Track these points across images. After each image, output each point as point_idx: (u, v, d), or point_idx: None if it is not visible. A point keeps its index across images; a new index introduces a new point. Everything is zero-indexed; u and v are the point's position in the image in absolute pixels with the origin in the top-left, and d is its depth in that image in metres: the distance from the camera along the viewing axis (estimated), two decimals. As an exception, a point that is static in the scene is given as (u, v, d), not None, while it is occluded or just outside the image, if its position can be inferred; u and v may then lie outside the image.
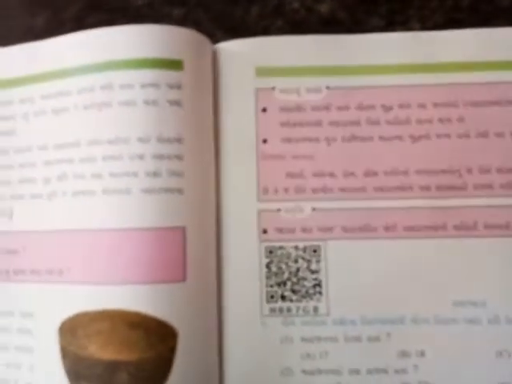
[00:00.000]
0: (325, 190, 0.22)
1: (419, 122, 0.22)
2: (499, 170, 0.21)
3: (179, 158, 0.20)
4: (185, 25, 0.22)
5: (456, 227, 0.21)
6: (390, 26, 0.24)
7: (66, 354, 0.20)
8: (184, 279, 0.20)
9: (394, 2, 0.24)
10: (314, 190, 0.22)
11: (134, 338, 0.19)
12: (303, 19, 0.24)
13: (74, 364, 0.19)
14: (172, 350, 0.19)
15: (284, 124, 0.22)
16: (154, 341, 0.19)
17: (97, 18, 0.25)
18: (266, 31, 0.24)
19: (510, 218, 0.21)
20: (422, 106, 0.22)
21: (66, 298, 0.20)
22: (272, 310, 0.21)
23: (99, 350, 0.19)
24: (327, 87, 0.22)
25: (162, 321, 0.19)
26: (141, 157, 0.20)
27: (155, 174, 0.20)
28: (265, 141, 0.22)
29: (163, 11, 0.25)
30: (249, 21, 0.24)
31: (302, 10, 0.24)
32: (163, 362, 0.19)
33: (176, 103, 0.20)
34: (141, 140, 0.20)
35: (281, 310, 0.21)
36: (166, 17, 0.24)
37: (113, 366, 0.19)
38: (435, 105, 0.22)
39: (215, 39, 0.23)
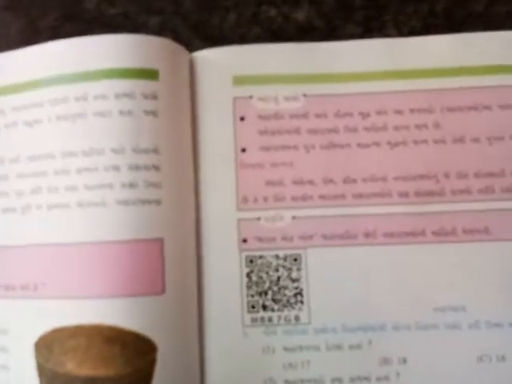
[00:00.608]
0: (304, 197, 0.21)
1: (396, 128, 0.22)
2: (476, 175, 0.21)
3: (156, 168, 0.20)
4: (162, 34, 0.22)
5: (435, 233, 0.21)
6: (366, 32, 0.23)
7: (42, 371, 0.19)
8: (162, 292, 0.19)
9: (370, 9, 0.24)
10: (294, 198, 0.21)
11: (110, 354, 0.18)
12: (280, 27, 0.24)
13: (51, 381, 0.19)
14: (151, 365, 0.19)
15: (262, 132, 0.22)
16: (131, 356, 0.19)
17: (72, 28, 0.24)
18: (243, 39, 0.24)
19: (489, 222, 0.21)
20: (399, 112, 0.22)
21: (42, 313, 0.19)
22: (254, 320, 0.21)
23: (76, 367, 0.18)
24: (304, 95, 0.22)
25: (141, 335, 0.19)
26: (116, 168, 0.19)
27: (131, 185, 0.19)
28: (243, 150, 0.22)
29: (139, 20, 0.24)
30: (226, 29, 0.24)
31: (279, 18, 0.24)
32: (142, 377, 0.19)
33: (152, 113, 0.20)
34: (116, 151, 0.20)
35: (262, 319, 0.21)
36: (142, 26, 0.24)
37: (90, 383, 0.18)
38: (412, 111, 0.22)
39: (192, 48, 0.23)
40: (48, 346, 0.19)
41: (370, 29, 0.24)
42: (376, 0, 0.24)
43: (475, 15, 0.24)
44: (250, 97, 0.22)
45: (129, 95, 0.20)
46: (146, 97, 0.20)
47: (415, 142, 0.22)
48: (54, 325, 0.19)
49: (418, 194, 0.21)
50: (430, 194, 0.21)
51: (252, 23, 0.24)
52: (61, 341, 0.19)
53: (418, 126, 0.22)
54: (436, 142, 0.22)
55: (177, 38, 0.23)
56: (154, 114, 0.20)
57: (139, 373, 0.19)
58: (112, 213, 0.19)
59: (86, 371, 0.18)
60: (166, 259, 0.19)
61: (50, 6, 0.25)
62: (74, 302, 0.19)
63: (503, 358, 0.20)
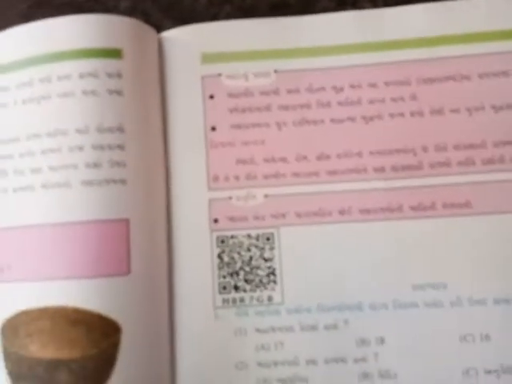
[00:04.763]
0: (277, 175, 0.20)
1: (371, 101, 0.20)
2: (456, 147, 0.19)
3: (121, 147, 0.19)
4: (133, 17, 0.21)
5: (413, 208, 0.19)
6: (340, 6, 0.22)
7: (7, 354, 0.18)
8: (128, 272, 0.18)
9: (344, -17, 0.22)
10: (266, 176, 0.20)
11: (75, 336, 0.17)
12: (252, 5, 0.22)
13: (16, 365, 0.18)
14: (115, 346, 0.17)
15: (232, 110, 0.20)
16: (96, 337, 0.17)
17: (43, 15, 0.23)
18: (214, 18, 0.22)
19: (470, 195, 0.19)
20: (374, 85, 0.20)
21: (8, 296, 0.18)
22: (225, 301, 0.19)
23: (40, 350, 0.17)
24: (275, 71, 0.20)
25: (105, 316, 0.17)
26: (80, 148, 0.18)
27: (96, 165, 0.18)
28: (213, 128, 0.20)
29: (110, 4, 0.23)
30: (197, 9, 0.23)
31: (251, -4, 0.22)
32: (106, 358, 0.17)
33: (116, 92, 0.19)
34: (80, 131, 0.18)
35: (234, 300, 0.19)
36: (113, 9, 0.23)
37: (54, 365, 0.17)
38: (387, 83, 0.20)
39: (165, 29, 0.21)
40: (13, 328, 0.18)
41: (344, 2, 0.22)
42: (350, -27, 0.22)
43: (454, -16, 0.22)
44: (219, 74, 0.20)
45: (93, 74, 0.19)
46: (109, 76, 0.19)
47: (391, 116, 0.20)
48: (20, 308, 0.18)
49: (394, 168, 0.19)
50: (408, 168, 0.19)
51: (223, 2, 0.22)
52: (26, 323, 0.18)
53: (393, 99, 0.20)
54: (413, 114, 0.20)
55: (148, 20, 0.21)
56: (118, 92, 0.19)
57: (103, 354, 0.17)
58: (76, 193, 0.18)
59: (50, 353, 0.17)
60: (132, 240, 0.18)
61: (24, -6, 0.24)
62: (40, 284, 0.18)
63: (488, 337, 0.18)
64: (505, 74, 0.19)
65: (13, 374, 0.18)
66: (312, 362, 0.19)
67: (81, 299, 0.17)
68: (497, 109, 0.19)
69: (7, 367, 0.18)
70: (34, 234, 0.18)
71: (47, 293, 0.18)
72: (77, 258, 0.18)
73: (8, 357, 0.18)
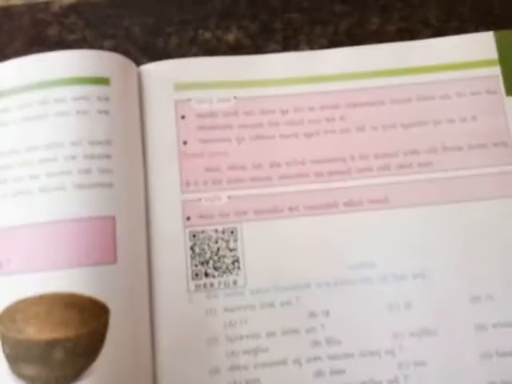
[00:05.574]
0: (238, 180, 0.24)
1: (310, 121, 0.25)
2: (375, 156, 0.24)
3: (108, 156, 0.22)
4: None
5: (346, 204, 0.24)
6: (284, 49, 0.27)
7: (5, 340, 0.20)
8: (115, 261, 0.21)
9: (287, 31, 0.27)
10: (229, 181, 0.24)
11: (69, 317, 0.20)
12: (214, 47, 0.27)
13: (14, 348, 0.20)
14: (104, 325, 0.20)
15: (200, 128, 0.25)
16: (87, 318, 0.20)
17: (37, 53, 0.26)
18: (184, 58, 0.27)
19: (388, 193, 0.24)
20: (312, 109, 0.25)
21: (6, 288, 0.20)
22: (197, 286, 0.23)
23: (37, 332, 0.20)
24: (235, 97, 0.25)
25: (95, 299, 0.20)
26: (74, 157, 0.22)
27: (87, 172, 0.22)
28: (185, 142, 0.24)
29: (96, 44, 0.27)
30: (169, 50, 0.27)
31: (213, 40, 0.27)
32: (97, 336, 0.20)
33: (104, 112, 0.22)
34: (73, 143, 0.22)
35: (205, 285, 0.23)
36: (98, 48, 0.26)
37: (50, 345, 0.19)
38: (322, 108, 0.25)
39: (142, 64, 0.25)
40: (11, 316, 0.20)
41: (287, 46, 0.27)
42: (292, 24, 0.28)
43: (371, 33, 0.28)
44: (189, 99, 0.25)
45: (84, 98, 0.22)
46: (99, 99, 0.22)
47: (325, 132, 0.25)
48: (17, 297, 0.20)
49: (330, 173, 0.24)
50: (340, 172, 0.24)
51: (191, 45, 0.27)
52: (23, 310, 0.20)
53: (327, 119, 0.25)
54: (342, 131, 0.25)
55: (128, 56, 0.26)
56: (106, 112, 0.22)
57: (94, 332, 0.20)
58: (70, 195, 0.21)
59: (46, 334, 0.19)
60: (117, 234, 0.21)
61: (17, 34, 0.27)
62: (36, 275, 0.20)
63: (409, 305, 0.23)
64: (408, 99, 0.25)
65: (10, 356, 0.20)
66: (271, 334, 0.22)
67: (74, 285, 0.20)
68: (405, 126, 0.25)
69: (4, 350, 0.20)
70: (33, 231, 0.21)
71: (43, 282, 0.20)
72: (71, 250, 0.20)
73: (6, 341, 0.20)
